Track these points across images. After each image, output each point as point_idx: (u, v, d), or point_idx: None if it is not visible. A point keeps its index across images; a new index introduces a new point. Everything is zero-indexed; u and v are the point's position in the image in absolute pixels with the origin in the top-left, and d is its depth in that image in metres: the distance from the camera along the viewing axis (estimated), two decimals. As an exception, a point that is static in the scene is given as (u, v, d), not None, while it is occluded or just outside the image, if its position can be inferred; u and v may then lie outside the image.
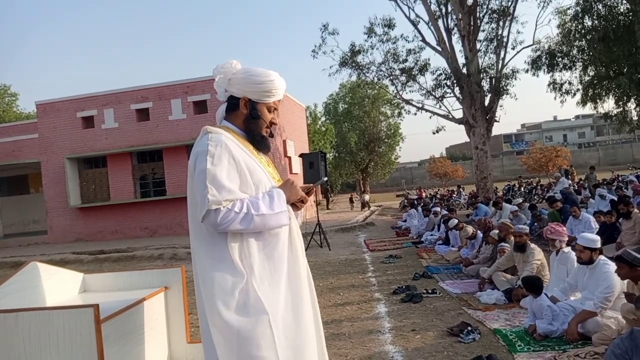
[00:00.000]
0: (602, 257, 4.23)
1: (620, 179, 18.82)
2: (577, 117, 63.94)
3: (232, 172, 1.89)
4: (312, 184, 2.26)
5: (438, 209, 12.09)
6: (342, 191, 43.28)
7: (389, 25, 18.62)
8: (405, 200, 21.14)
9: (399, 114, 24.25)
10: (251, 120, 2.08)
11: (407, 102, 18.62)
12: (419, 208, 14.20)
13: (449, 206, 14.87)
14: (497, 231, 6.68)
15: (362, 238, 13.13)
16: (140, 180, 17.26)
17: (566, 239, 5.00)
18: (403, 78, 18.39)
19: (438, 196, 22.47)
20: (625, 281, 3.81)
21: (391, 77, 18.67)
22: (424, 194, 24.80)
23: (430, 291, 6.07)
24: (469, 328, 4.43)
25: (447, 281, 6.67)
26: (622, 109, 17.37)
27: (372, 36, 18.56)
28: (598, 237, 4.30)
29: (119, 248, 13.43)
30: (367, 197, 24.19)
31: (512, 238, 6.06)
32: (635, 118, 17.13)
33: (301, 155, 12.54)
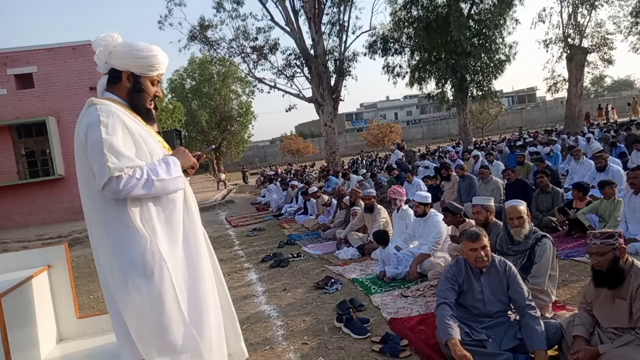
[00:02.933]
0: (432, 210, 5.20)
1: (440, 149, 22.15)
2: (405, 97, 72.14)
3: (128, 141, 1.96)
4: (201, 152, 2.39)
5: (295, 182, 12.80)
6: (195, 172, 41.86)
7: (238, 2, 18.51)
8: (262, 177, 21.64)
9: (252, 92, 24.37)
10: (135, 93, 2.13)
11: (260, 80, 18.93)
12: (278, 183, 14.77)
13: (304, 180, 15.79)
14: (348, 197, 7.50)
15: (223, 216, 13.21)
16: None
17: (405, 198, 5.96)
18: (254, 56, 18.60)
19: (292, 171, 23.50)
20: (450, 227, 4.79)
21: (242, 55, 18.70)
22: (279, 170, 25.66)
23: (295, 255, 6.61)
24: (332, 280, 5.05)
25: (309, 245, 7.31)
26: (441, 89, 20.40)
27: (221, 11, 18.27)
28: (429, 194, 5.27)
29: None
30: (223, 175, 24.02)
31: (362, 202, 6.92)
32: (451, 98, 20.28)
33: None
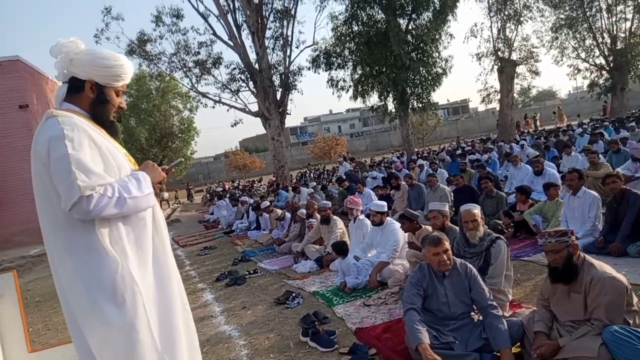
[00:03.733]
0: (389, 218, 5.29)
1: (385, 160, 22.72)
2: (348, 110, 73.65)
3: (96, 156, 1.81)
4: (168, 166, 2.25)
5: (246, 198, 12.59)
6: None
7: (177, 15, 18.16)
8: (209, 195, 21.10)
9: (196, 107, 23.80)
10: (99, 104, 1.98)
11: (204, 95, 18.56)
12: (227, 199, 14.46)
13: (253, 195, 15.57)
14: (304, 210, 7.47)
15: (170, 236, 12.69)
16: None
17: (361, 208, 6.02)
18: (197, 71, 18.23)
19: (240, 187, 23.12)
20: (407, 234, 4.88)
21: (185, 69, 18.29)
22: (227, 186, 25.15)
23: (252, 272, 6.46)
24: (293, 295, 4.97)
25: (265, 261, 7.18)
26: (383, 102, 20.98)
27: (160, 25, 17.79)
28: (385, 203, 5.35)
29: None
30: (166, 194, 23.17)
31: (317, 214, 6.91)
32: (393, 110, 20.90)
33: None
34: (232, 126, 19.35)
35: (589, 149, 8.73)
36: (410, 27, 19.54)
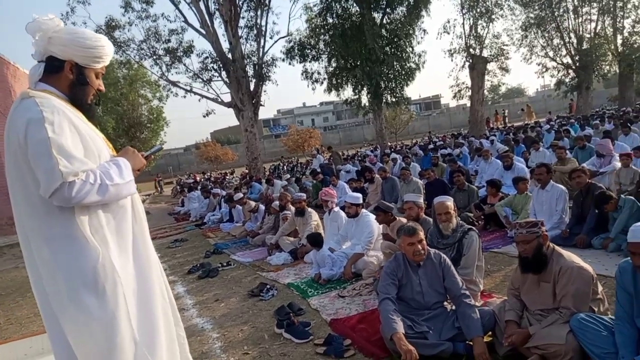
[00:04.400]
0: (363, 210, 5.31)
1: (359, 154, 22.84)
2: (321, 103, 73.54)
3: (76, 141, 1.74)
4: (148, 152, 2.18)
5: (218, 190, 12.42)
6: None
7: (148, 1, 17.63)
8: (179, 187, 20.71)
9: (166, 97, 23.24)
10: (78, 86, 1.90)
11: (174, 84, 18.13)
12: (198, 191, 14.23)
13: (225, 187, 15.38)
14: (277, 202, 7.42)
15: (139, 227, 12.41)
16: None
17: (336, 200, 6.02)
18: (167, 59, 17.79)
19: (212, 179, 22.80)
20: (382, 225, 4.91)
21: (154, 57, 17.81)
22: (198, 178, 24.76)
23: (225, 264, 6.38)
24: (267, 287, 4.94)
25: (238, 253, 7.10)
26: (357, 96, 21.04)
27: (129, 11, 17.25)
28: (360, 195, 5.37)
29: None
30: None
31: (292, 206, 6.88)
32: (367, 104, 21.01)
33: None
34: (204, 116, 19.02)
35: (557, 144, 8.99)
36: (384, 22, 19.62)
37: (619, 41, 26.82)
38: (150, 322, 1.92)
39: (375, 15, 19.37)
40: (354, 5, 19.49)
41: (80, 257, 1.74)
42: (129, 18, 17.45)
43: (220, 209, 11.17)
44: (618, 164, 6.79)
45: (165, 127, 36.04)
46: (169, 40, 17.87)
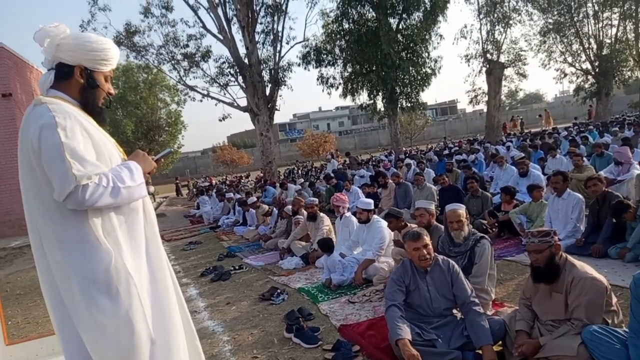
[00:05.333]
0: (375, 216, 5.30)
1: (373, 159, 22.80)
2: (337, 108, 73.67)
3: (88, 145, 1.78)
4: (158, 156, 2.22)
5: (231, 194, 12.53)
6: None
7: (167, 7, 17.98)
8: (195, 189, 20.93)
9: (184, 101, 23.57)
10: (89, 90, 1.95)
11: (192, 88, 18.39)
12: (213, 194, 14.37)
13: (239, 190, 15.50)
14: (290, 206, 7.45)
15: (154, 230, 12.57)
16: None
17: (348, 205, 6.03)
18: (185, 63, 18.08)
19: (227, 182, 22.99)
20: (394, 232, 4.89)
21: (173, 62, 18.09)
22: (214, 181, 25.00)
23: (237, 268, 6.42)
24: (278, 291, 4.96)
25: (251, 257, 7.15)
26: (373, 101, 21.04)
27: (149, 17, 17.59)
28: (372, 201, 5.36)
29: None
30: (152, 188, 22.92)
31: (304, 210, 6.90)
32: (382, 109, 20.99)
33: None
34: (220, 120, 19.24)
35: (574, 151, 8.85)
36: (400, 27, 19.61)
37: (641, 47, 26.28)
38: (167, 322, 1.95)
39: (392, 20, 19.38)
40: (370, 10, 19.54)
41: (93, 260, 1.77)
42: (148, 23, 17.81)
43: (234, 212, 11.26)
44: (637, 172, 6.64)
45: (183, 130, 36.53)
46: (187, 45, 18.19)
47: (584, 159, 8.18)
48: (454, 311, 3.27)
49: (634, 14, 25.88)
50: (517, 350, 2.77)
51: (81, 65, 1.92)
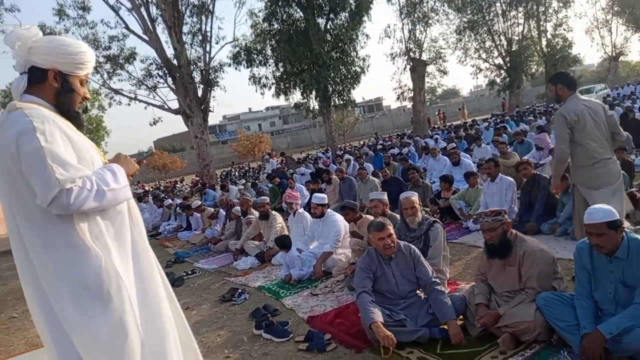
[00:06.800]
0: (329, 210, 5.44)
1: (310, 156, 23.04)
2: (267, 108, 73.24)
3: (69, 149, 1.74)
4: (141, 157, 2.22)
5: (170, 201, 12.12)
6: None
7: (84, 8, 16.93)
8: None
9: (109, 105, 22.25)
10: (64, 94, 1.89)
11: (117, 92, 17.45)
12: (150, 200, 13.78)
13: (176, 195, 15.00)
14: (239, 207, 7.39)
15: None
16: None
17: (300, 201, 6.12)
18: (108, 66, 17.11)
19: (162, 188, 22.09)
20: (350, 224, 5.06)
21: (94, 65, 17.02)
22: (146, 187, 23.90)
23: (189, 273, 6.28)
24: (239, 291, 4.94)
25: (202, 261, 7.00)
26: (306, 100, 21.25)
27: (64, 18, 16.43)
28: (325, 196, 5.50)
29: None
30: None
31: (253, 210, 6.89)
32: (316, 107, 21.26)
33: None
34: (151, 125, 18.43)
35: (498, 140, 9.61)
36: (328, 27, 19.99)
37: (544, 43, 28.92)
38: (158, 324, 1.94)
39: (320, 20, 19.70)
40: (298, 11, 19.70)
41: (82, 265, 1.73)
42: (64, 25, 16.66)
43: (176, 218, 10.91)
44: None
45: (105, 136, 34.61)
46: (109, 47, 17.22)
47: (507, 146, 8.91)
48: (418, 292, 3.49)
49: (536, 13, 28.41)
50: (479, 322, 3.02)
51: (55, 69, 1.87)
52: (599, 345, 2.41)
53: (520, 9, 28.43)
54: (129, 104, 18.80)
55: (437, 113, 35.31)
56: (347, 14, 19.81)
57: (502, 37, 28.90)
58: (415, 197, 4.21)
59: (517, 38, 28.70)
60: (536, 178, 5.41)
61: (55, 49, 1.85)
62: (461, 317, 3.27)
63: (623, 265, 2.52)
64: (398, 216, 4.46)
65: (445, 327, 3.16)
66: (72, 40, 1.94)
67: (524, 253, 3.04)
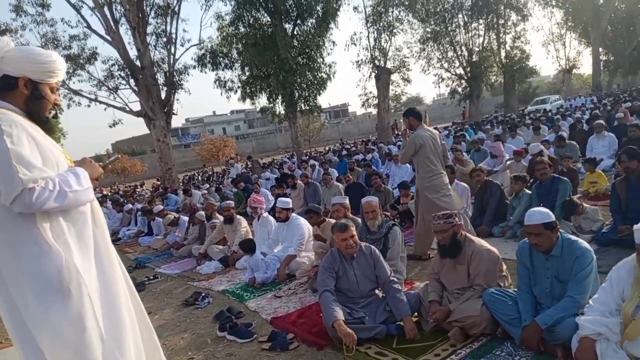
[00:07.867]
0: (293, 214, 5.56)
1: (275, 161, 23.08)
2: (232, 112, 72.61)
3: (35, 151, 1.84)
4: (106, 162, 2.30)
5: (130, 206, 11.90)
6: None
7: (43, 5, 16.39)
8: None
9: (67, 106, 21.57)
10: (34, 101, 1.99)
11: (76, 92, 16.97)
12: (109, 205, 13.46)
13: (135, 199, 14.72)
14: (202, 212, 7.39)
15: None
16: None
17: (264, 206, 6.21)
18: (68, 66, 16.59)
19: (121, 192, 21.54)
20: (313, 227, 5.19)
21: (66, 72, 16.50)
22: (104, 192, 23.24)
23: (151, 278, 6.24)
24: (202, 295, 4.98)
25: (164, 266, 6.96)
26: (272, 104, 21.35)
27: (22, 15, 15.87)
28: (290, 200, 5.62)
29: None
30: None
31: (218, 214, 6.92)
32: (282, 112, 21.38)
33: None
34: (111, 127, 18.01)
35: (456, 148, 10.01)
36: (295, 32, 20.18)
37: (503, 54, 30.23)
38: (116, 321, 2.03)
39: (287, 26, 19.87)
40: (265, 15, 19.80)
41: (44, 261, 1.83)
42: (22, 22, 16.08)
43: (136, 223, 10.72)
44: (508, 163, 7.81)
45: (62, 138, 33.39)
46: (69, 47, 16.75)
47: (464, 153, 9.32)
48: (376, 291, 3.67)
49: (495, 26, 29.67)
50: (432, 318, 3.23)
51: (25, 77, 1.97)
52: (536, 335, 2.66)
53: (481, 21, 29.65)
54: (88, 105, 18.36)
55: (394, 121, 35.94)
56: (314, 20, 20.09)
57: (464, 48, 30.02)
58: (375, 201, 4.40)
59: (477, 49, 29.87)
60: (488, 184, 5.73)
61: (27, 58, 1.96)
62: (416, 313, 3.47)
63: (558, 263, 2.77)
64: (359, 219, 4.64)
65: (401, 323, 3.34)
66: (43, 50, 2.05)
67: (472, 253, 3.27)
